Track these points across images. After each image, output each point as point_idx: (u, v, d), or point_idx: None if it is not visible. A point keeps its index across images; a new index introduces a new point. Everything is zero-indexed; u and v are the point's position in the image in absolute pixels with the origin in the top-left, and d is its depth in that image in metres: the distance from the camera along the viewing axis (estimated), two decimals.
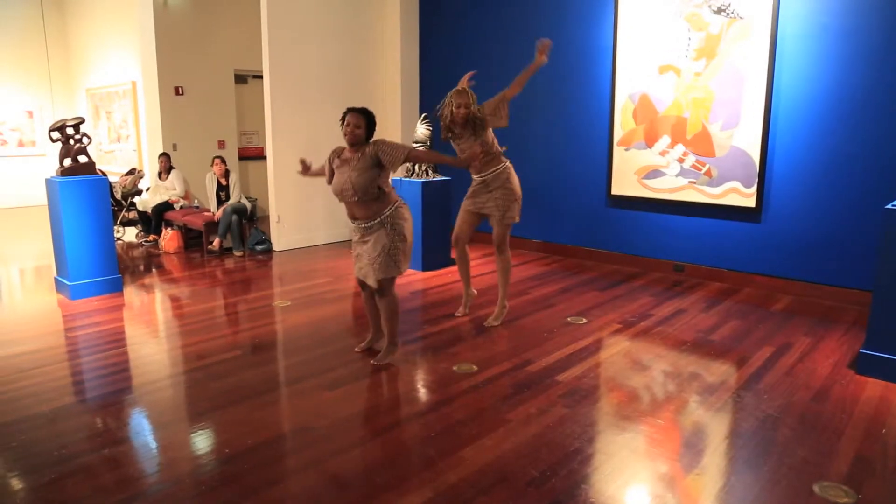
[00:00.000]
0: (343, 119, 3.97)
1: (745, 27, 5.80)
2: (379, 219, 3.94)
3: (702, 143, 6.18)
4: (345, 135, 3.93)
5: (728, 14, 5.88)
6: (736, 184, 6.02)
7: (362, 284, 4.22)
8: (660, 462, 3.00)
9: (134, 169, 9.05)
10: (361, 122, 3.94)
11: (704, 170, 6.19)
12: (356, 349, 4.45)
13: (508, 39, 7.73)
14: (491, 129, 4.93)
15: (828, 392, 3.75)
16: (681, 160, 6.34)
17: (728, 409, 3.57)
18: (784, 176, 5.80)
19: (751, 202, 5.95)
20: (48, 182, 5.73)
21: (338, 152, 4.08)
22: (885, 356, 3.82)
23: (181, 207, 8.24)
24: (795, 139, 5.69)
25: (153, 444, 3.21)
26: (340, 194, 3.95)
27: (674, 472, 2.92)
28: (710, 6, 5.98)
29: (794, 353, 4.40)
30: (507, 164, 5.02)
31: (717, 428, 3.37)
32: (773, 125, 5.78)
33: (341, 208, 7.08)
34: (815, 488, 2.76)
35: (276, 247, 7.86)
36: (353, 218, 4.03)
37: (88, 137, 5.97)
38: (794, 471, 2.91)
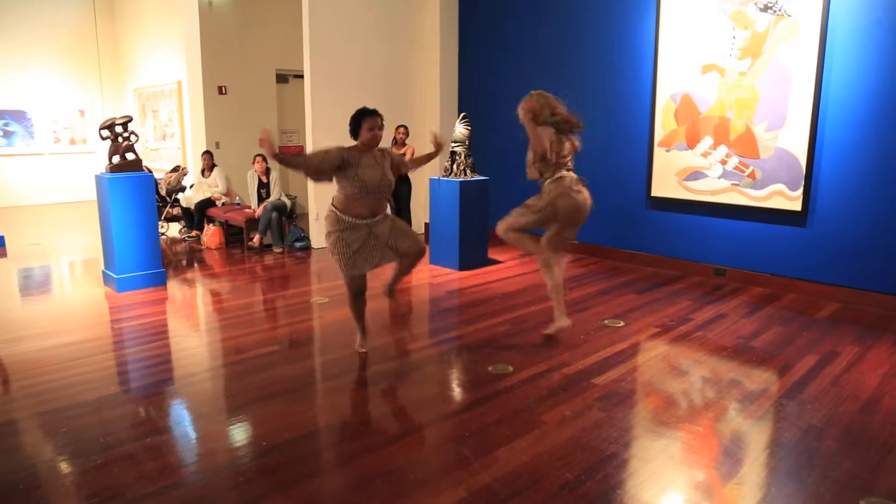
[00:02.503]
0: (364, 121, 4.06)
1: (793, 24, 5.65)
2: (384, 213, 4.17)
3: (745, 145, 6.05)
4: (373, 137, 4.03)
5: (775, 11, 5.74)
6: (781, 186, 5.88)
7: (358, 286, 4.28)
8: (697, 470, 2.95)
9: (178, 166, 9.26)
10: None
11: (748, 172, 6.06)
12: (358, 350, 4.40)
13: (548, 39, 7.68)
14: (548, 137, 4.42)
15: (877, 404, 3.63)
16: (723, 162, 6.22)
17: (769, 417, 3.49)
18: (832, 178, 5.64)
19: (796, 205, 5.80)
20: (97, 178, 5.90)
21: (350, 151, 3.99)
22: None
23: (223, 204, 8.40)
24: (845, 140, 5.53)
25: (193, 435, 3.28)
26: (377, 190, 3.99)
27: (711, 480, 2.87)
28: (756, 3, 5.84)
29: (841, 362, 4.28)
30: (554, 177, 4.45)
31: (757, 437, 3.30)
32: (821, 126, 5.62)
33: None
34: (862, 503, 2.68)
35: (314, 244, 7.95)
36: (371, 215, 4.02)
37: (136, 135, 6.13)
38: (839, 484, 2.82)
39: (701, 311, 5.37)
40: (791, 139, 5.76)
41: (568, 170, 4.50)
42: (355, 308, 4.37)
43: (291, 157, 3.93)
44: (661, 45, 6.54)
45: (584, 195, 4.49)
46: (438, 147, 4.45)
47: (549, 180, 4.45)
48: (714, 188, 6.32)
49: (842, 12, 5.43)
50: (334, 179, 4.00)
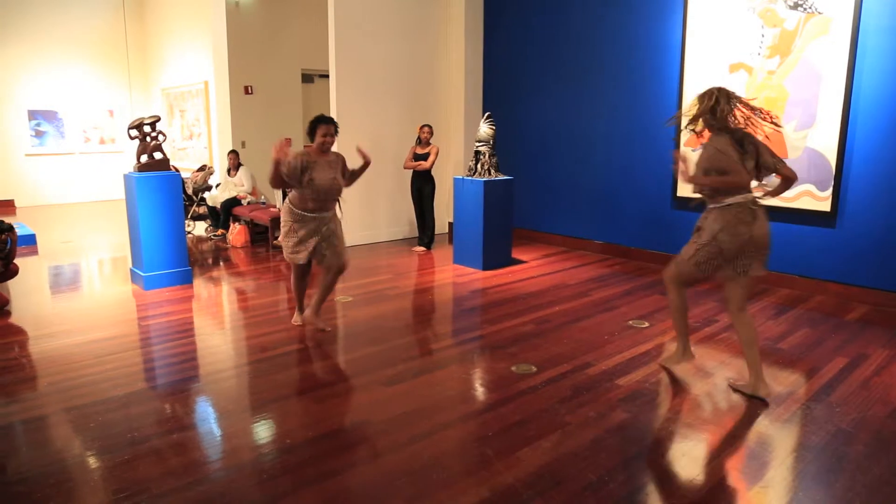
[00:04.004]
0: (319, 128, 4.56)
1: (824, 22, 5.55)
2: (335, 210, 4.73)
3: (774, 144, 5.92)
4: (323, 143, 4.56)
5: (805, 9, 5.65)
6: (810, 187, 5.78)
7: (301, 270, 4.84)
8: (722, 473, 2.91)
9: (205, 165, 9.37)
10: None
11: None
12: (294, 323, 4.96)
13: (574, 39, 7.64)
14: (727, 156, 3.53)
15: None
16: None
17: (796, 420, 3.44)
18: (862, 179, 5.53)
19: (825, 206, 5.70)
20: (126, 177, 6.00)
21: (305, 157, 4.52)
22: None
23: (248, 203, 8.49)
24: (876, 141, 5.42)
25: (217, 432, 3.32)
26: (328, 191, 4.53)
27: (736, 483, 2.83)
28: (785, 1, 5.75)
29: (871, 365, 4.20)
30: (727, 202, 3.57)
31: (784, 440, 3.25)
32: (851, 126, 5.51)
33: (404, 207, 7.23)
34: None
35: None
36: (321, 210, 4.58)
37: (163, 135, 6.22)
38: (869, 489, 2.77)
39: (727, 313, 5.30)
40: (820, 139, 5.66)
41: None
42: (297, 287, 4.95)
43: (276, 170, 4.50)
44: (689, 44, 6.47)
45: (760, 224, 3.51)
46: (365, 162, 4.80)
47: (712, 209, 3.60)
48: None
49: (875, 10, 5.32)
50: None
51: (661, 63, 6.82)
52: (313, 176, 4.45)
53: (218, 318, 5.34)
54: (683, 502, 2.69)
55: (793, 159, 5.83)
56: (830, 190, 5.65)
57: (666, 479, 2.85)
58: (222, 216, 8.56)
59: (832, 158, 5.62)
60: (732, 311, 3.72)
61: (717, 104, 3.52)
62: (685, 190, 6.67)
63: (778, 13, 5.82)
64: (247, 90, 9.57)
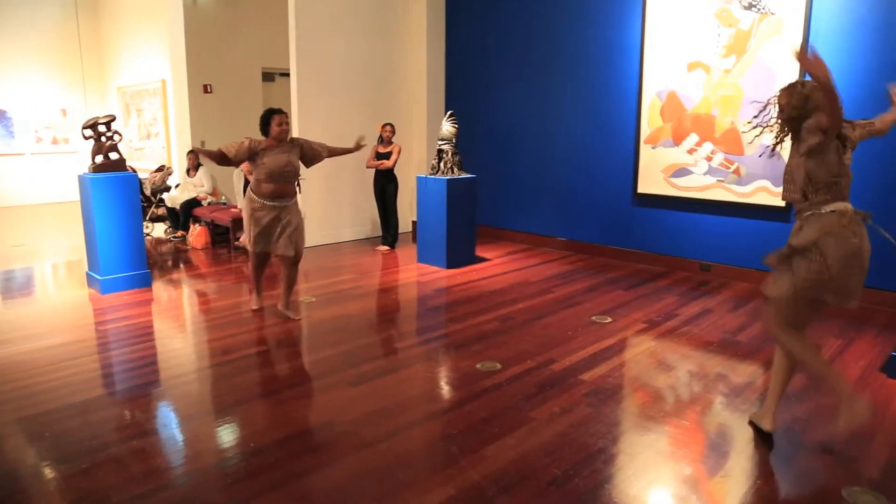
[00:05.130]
0: (273, 118, 4.89)
1: (777, 23, 5.70)
2: (294, 198, 4.98)
3: (730, 142, 6.10)
4: (281, 131, 4.84)
5: (759, 10, 5.79)
6: (765, 182, 5.93)
7: (260, 259, 5.15)
8: (684, 464, 2.97)
9: (163, 166, 9.19)
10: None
11: (733, 168, 6.11)
12: (253, 308, 5.28)
13: (536, 37, 7.69)
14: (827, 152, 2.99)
15: (859, 395, 3.67)
16: (709, 158, 6.26)
17: (755, 410, 3.52)
18: None
19: (780, 201, 5.86)
20: (80, 178, 5.84)
21: (259, 143, 4.84)
22: None
23: (209, 204, 8.35)
24: None
25: (180, 437, 3.26)
26: (282, 174, 4.78)
27: (698, 474, 2.89)
28: (740, 2, 5.88)
29: (824, 355, 4.32)
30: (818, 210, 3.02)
31: (743, 430, 3.32)
32: None
33: (367, 206, 7.18)
34: (844, 493, 2.71)
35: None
36: (279, 197, 4.83)
37: (119, 135, 6.08)
38: (823, 475, 2.86)
39: (687, 307, 5.41)
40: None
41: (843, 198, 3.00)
42: (256, 275, 5.27)
43: (207, 150, 5.01)
44: (648, 43, 6.57)
45: (866, 239, 2.96)
46: (357, 146, 5.41)
47: (809, 215, 3.02)
48: (699, 185, 6.37)
49: (825, 12, 5.48)
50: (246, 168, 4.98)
51: (620, 61, 6.91)
52: (264, 160, 4.75)
53: (178, 321, 5.24)
54: (647, 494, 2.73)
55: (749, 156, 5.98)
56: None
57: (629, 471, 2.90)
58: (182, 217, 8.40)
59: (786, 155, 5.75)
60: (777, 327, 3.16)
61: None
62: (646, 187, 6.78)
63: (733, 13, 5.95)
64: (206, 89, 9.41)
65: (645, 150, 6.74)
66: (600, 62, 7.10)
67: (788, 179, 3.16)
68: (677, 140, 6.46)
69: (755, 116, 3.44)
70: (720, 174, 6.20)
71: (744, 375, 4.00)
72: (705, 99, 6.21)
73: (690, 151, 6.38)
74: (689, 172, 6.42)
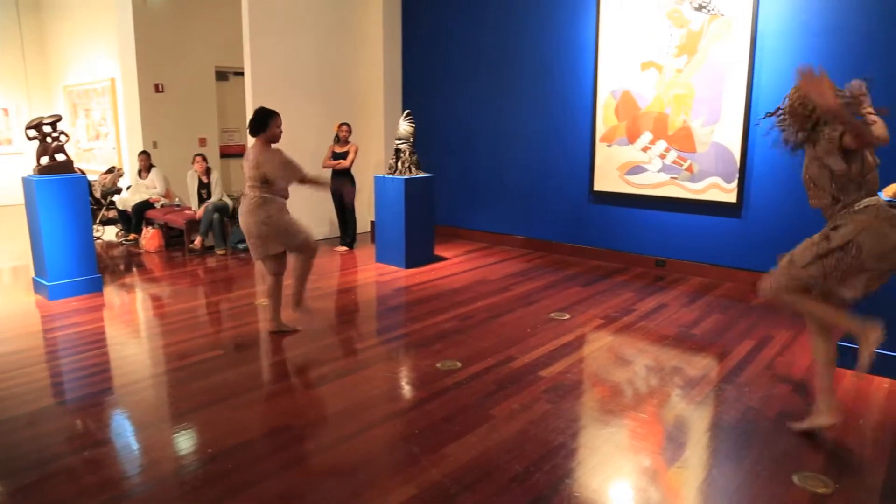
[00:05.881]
0: (275, 119, 4.58)
1: (726, 24, 5.84)
2: None
3: (683, 140, 6.23)
4: (280, 134, 4.58)
5: (708, 11, 5.92)
6: (717, 179, 6.07)
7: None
8: (643, 455, 3.02)
9: (113, 167, 8.94)
10: None
11: (686, 165, 6.24)
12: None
13: (492, 36, 7.73)
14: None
15: (807, 384, 3.80)
16: (662, 156, 6.39)
17: (710, 402, 3.61)
18: (764, 172, 5.86)
19: (731, 197, 6.01)
20: (25, 181, 5.64)
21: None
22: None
23: (162, 206, 8.17)
24: (775, 135, 5.73)
25: (135, 445, 3.18)
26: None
27: (657, 465, 2.95)
28: (690, 3, 6.02)
29: (775, 346, 4.45)
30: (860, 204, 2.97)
31: (698, 421, 3.40)
32: (752, 121, 5.83)
33: (325, 207, 7.11)
34: (795, 479, 2.80)
35: None
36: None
37: (66, 135, 5.90)
38: (775, 462, 2.94)
39: (643, 302, 5.51)
40: (725, 134, 5.95)
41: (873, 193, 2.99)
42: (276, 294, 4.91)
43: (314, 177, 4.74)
44: (602, 43, 6.66)
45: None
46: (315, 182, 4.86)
47: (845, 213, 2.97)
48: (654, 182, 6.49)
49: (771, 14, 5.65)
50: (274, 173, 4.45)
51: (576, 61, 7.00)
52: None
53: (132, 327, 5.11)
54: (607, 487, 2.77)
55: (701, 153, 6.12)
56: (736, 182, 5.96)
57: (590, 465, 2.93)
58: (134, 220, 8.20)
59: (736, 152, 5.92)
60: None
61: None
62: (602, 184, 6.88)
63: (684, 14, 6.08)
64: (157, 88, 9.20)
65: (600, 149, 6.83)
66: (556, 62, 7.18)
67: (812, 186, 3.07)
68: (632, 138, 6.57)
69: (772, 114, 3.39)
70: (673, 171, 6.33)
71: (699, 368, 4.09)
72: (658, 98, 6.33)
73: (644, 149, 6.50)
74: (644, 170, 6.54)
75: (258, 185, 4.42)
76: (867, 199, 2.93)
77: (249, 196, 4.46)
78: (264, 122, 4.50)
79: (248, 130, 4.60)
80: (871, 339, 2.96)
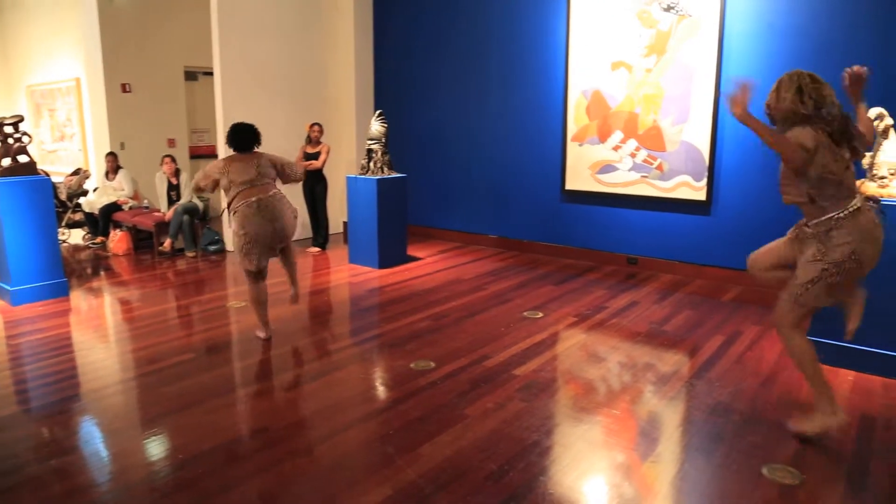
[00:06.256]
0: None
1: (694, 25, 5.92)
2: None
3: (653, 139, 6.30)
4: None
5: (677, 12, 6.00)
6: (686, 178, 6.15)
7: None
8: (616, 451, 3.05)
9: (79, 169, 8.77)
10: None
11: (656, 164, 6.31)
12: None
13: (464, 36, 7.74)
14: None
15: (775, 378, 3.87)
16: (633, 155, 6.45)
17: (681, 397, 3.66)
18: (732, 170, 5.95)
19: (701, 195, 6.09)
20: None
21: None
22: (827, 342, 3.94)
23: (130, 208, 8.03)
24: (743, 134, 5.83)
25: (104, 452, 3.12)
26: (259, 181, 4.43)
27: (630, 460, 2.97)
28: (659, 4, 6.09)
29: (744, 341, 4.53)
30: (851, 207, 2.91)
31: (671, 416, 3.44)
32: (720, 120, 5.92)
33: (297, 208, 6.94)
34: (764, 470, 2.85)
35: (229, 247, 7.71)
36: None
37: (29, 136, 5.77)
38: (744, 455, 2.99)
39: (615, 299, 5.56)
40: (694, 133, 6.04)
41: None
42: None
43: None
44: (572, 43, 6.71)
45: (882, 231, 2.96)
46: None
47: (835, 215, 2.88)
48: (625, 180, 6.55)
49: (738, 15, 5.74)
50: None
51: (547, 61, 7.03)
52: None
53: (100, 332, 5.02)
54: (581, 483, 2.79)
55: (671, 152, 6.19)
56: (705, 180, 6.04)
57: (564, 462, 2.95)
58: (101, 223, 8.04)
59: (705, 151, 6.01)
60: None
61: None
62: (574, 183, 6.93)
63: (653, 15, 6.15)
64: (124, 88, 9.04)
65: (572, 148, 6.88)
66: (527, 62, 7.21)
67: (788, 184, 3.04)
68: (602, 137, 6.63)
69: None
70: (644, 170, 6.40)
71: (670, 364, 4.14)
72: (629, 97, 6.39)
73: (615, 148, 6.56)
74: (615, 169, 6.60)
75: (272, 181, 4.50)
76: (854, 202, 2.88)
77: (272, 194, 4.40)
78: (257, 133, 4.55)
79: (235, 147, 4.49)
80: (831, 423, 3.04)
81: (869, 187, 3.91)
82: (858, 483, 2.80)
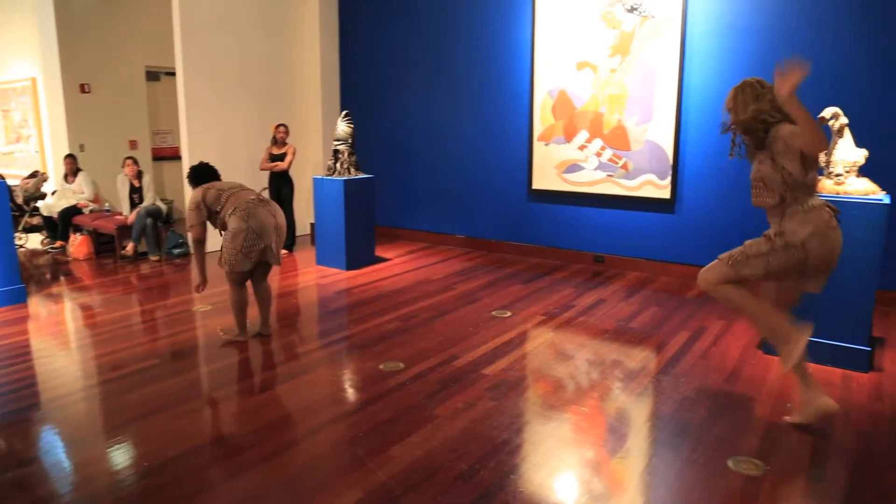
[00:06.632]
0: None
1: (657, 26, 6.01)
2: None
3: (618, 138, 6.38)
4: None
5: (640, 13, 6.08)
6: (651, 176, 6.24)
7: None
8: (585, 448, 3.08)
9: (37, 171, 8.55)
10: None
11: (621, 163, 6.39)
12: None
13: (430, 37, 7.74)
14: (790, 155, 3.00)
15: (739, 372, 3.95)
16: (598, 154, 6.52)
17: (648, 393, 3.71)
18: (695, 168, 6.06)
19: (665, 194, 6.19)
20: None
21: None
22: None
23: (91, 211, 7.85)
24: (705, 133, 5.95)
25: (66, 463, 3.04)
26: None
27: (599, 457, 3.01)
28: (623, 5, 6.16)
29: (708, 336, 4.61)
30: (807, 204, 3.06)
31: (638, 412, 3.49)
32: (684, 120, 6.02)
33: None
34: (729, 463, 2.90)
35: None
36: None
37: None
38: (710, 448, 3.04)
39: (583, 298, 5.61)
40: (658, 132, 6.13)
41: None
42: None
43: None
44: (538, 43, 6.76)
45: (840, 234, 3.09)
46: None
47: (793, 212, 3.06)
48: (591, 179, 6.62)
49: (699, 17, 5.85)
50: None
51: (513, 60, 7.07)
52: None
53: (60, 338, 4.89)
54: (552, 480, 2.81)
55: (636, 151, 6.27)
56: (669, 179, 6.14)
57: (534, 460, 2.97)
58: (60, 227, 7.85)
59: (669, 150, 6.10)
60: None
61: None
62: (540, 183, 6.98)
63: (617, 16, 6.22)
64: (83, 88, 8.84)
65: (538, 148, 6.93)
66: (493, 62, 7.24)
67: (762, 186, 3.10)
68: (568, 137, 6.69)
69: (726, 131, 3.30)
70: (609, 169, 6.48)
71: (638, 360, 4.20)
72: (594, 97, 6.46)
73: (581, 148, 6.63)
74: (581, 168, 6.66)
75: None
76: (814, 200, 3.03)
77: (267, 201, 4.53)
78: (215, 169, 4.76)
79: (203, 179, 4.71)
80: (819, 405, 3.16)
81: (826, 185, 4.01)
82: (818, 473, 2.87)
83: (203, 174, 4.72)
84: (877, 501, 2.66)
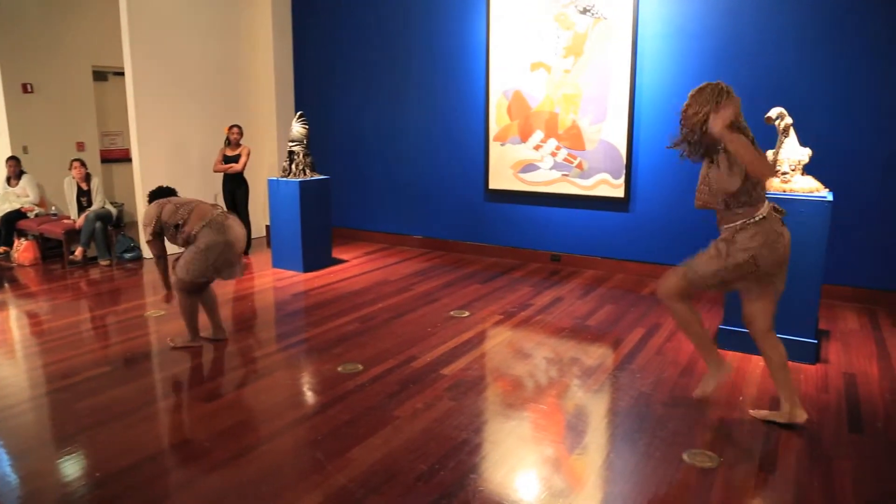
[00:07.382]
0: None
1: (609, 27, 6.11)
2: None
3: (573, 138, 6.46)
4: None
5: (593, 14, 6.17)
6: (606, 176, 6.34)
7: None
8: (545, 445, 3.11)
9: None
10: None
11: (576, 163, 6.48)
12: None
13: (384, 37, 7.71)
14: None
15: (693, 367, 4.04)
16: (554, 154, 6.60)
17: (606, 389, 3.77)
18: (648, 168, 6.18)
19: (619, 192, 6.29)
20: None
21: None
22: (741, 330, 4.14)
23: (36, 215, 7.60)
24: (658, 133, 6.07)
25: (13, 475, 2.94)
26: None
27: (558, 453, 3.04)
28: (576, 6, 6.25)
29: (663, 333, 4.71)
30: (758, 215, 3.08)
31: (596, 408, 3.54)
32: (636, 120, 6.13)
33: None
34: (685, 456, 2.97)
35: (146, 254, 7.41)
36: None
37: None
38: (666, 442, 3.11)
39: (540, 296, 5.67)
40: (612, 132, 6.23)
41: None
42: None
43: None
44: (493, 44, 6.80)
45: (788, 236, 3.15)
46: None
47: (744, 221, 3.07)
48: (546, 179, 6.69)
49: (650, 19, 5.97)
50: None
51: (468, 61, 7.10)
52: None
53: (5, 347, 4.72)
54: (512, 478, 2.84)
55: (590, 151, 6.37)
56: (623, 178, 6.25)
57: (494, 459, 2.99)
58: (3, 231, 7.57)
59: (623, 149, 6.21)
60: (759, 332, 3.26)
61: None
62: (497, 183, 7.02)
63: (570, 17, 6.31)
64: (25, 88, 8.54)
65: (494, 148, 6.97)
66: (448, 62, 7.26)
67: (707, 190, 3.15)
68: (524, 137, 6.75)
69: (674, 146, 3.27)
70: (565, 169, 6.56)
71: (595, 357, 4.26)
72: (548, 97, 6.53)
73: (536, 148, 6.69)
74: (537, 168, 6.73)
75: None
76: (762, 210, 3.05)
77: (229, 214, 4.49)
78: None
79: (160, 196, 4.58)
80: (710, 382, 3.37)
81: (773, 183, 4.13)
82: (769, 464, 2.96)
83: (162, 193, 4.63)
84: (825, 489, 2.76)
